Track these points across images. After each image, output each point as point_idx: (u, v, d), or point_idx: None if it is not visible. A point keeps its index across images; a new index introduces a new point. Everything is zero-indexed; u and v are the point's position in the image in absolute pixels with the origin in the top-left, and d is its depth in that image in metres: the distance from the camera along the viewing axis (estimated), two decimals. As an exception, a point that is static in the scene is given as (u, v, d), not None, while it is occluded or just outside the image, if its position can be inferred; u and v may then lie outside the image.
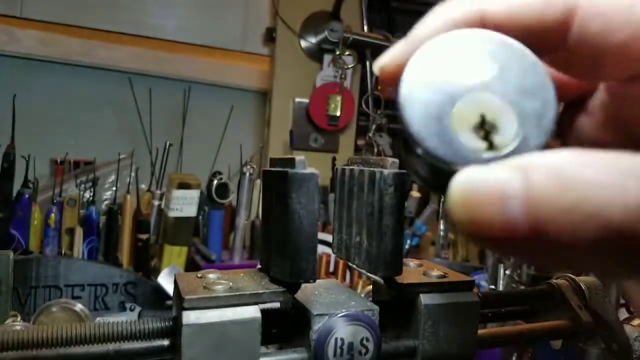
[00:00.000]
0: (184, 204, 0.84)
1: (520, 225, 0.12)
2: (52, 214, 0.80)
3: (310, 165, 0.22)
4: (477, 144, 0.14)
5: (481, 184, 0.13)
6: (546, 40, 0.17)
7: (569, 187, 0.12)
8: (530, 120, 0.15)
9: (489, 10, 0.17)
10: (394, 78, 0.17)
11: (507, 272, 0.78)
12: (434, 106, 0.15)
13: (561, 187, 0.12)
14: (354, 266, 0.26)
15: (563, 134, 0.21)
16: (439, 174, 0.15)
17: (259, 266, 0.26)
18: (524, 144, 0.15)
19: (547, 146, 0.15)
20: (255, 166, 0.94)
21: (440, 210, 0.94)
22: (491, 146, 0.14)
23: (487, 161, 0.14)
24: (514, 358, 0.52)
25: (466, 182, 0.13)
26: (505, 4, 0.17)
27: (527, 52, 0.16)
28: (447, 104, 0.15)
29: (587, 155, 0.13)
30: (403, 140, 0.17)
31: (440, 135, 0.14)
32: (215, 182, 0.93)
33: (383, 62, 0.18)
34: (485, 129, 0.15)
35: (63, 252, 0.81)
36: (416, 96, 0.15)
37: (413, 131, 0.14)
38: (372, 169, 0.24)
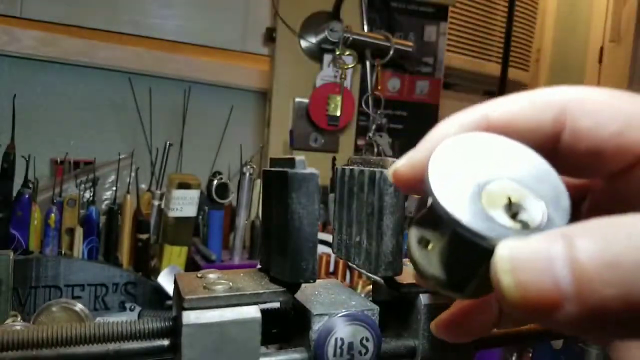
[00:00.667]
0: (184, 204, 0.84)
1: (568, 287, 0.13)
2: (52, 214, 0.80)
3: (310, 165, 0.22)
4: (511, 222, 0.15)
5: (525, 249, 0.13)
6: (544, 140, 0.18)
7: (610, 246, 0.13)
8: (549, 203, 0.16)
9: (492, 117, 0.19)
10: (408, 179, 0.19)
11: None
12: (465, 191, 0.16)
13: (602, 245, 0.13)
14: (354, 266, 0.26)
15: None
16: (466, 259, 0.16)
17: (259, 266, 0.26)
18: (551, 223, 0.16)
19: None
20: (255, 166, 0.93)
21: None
22: (522, 224, 0.16)
23: (524, 235, 0.15)
24: (514, 358, 0.52)
25: (511, 250, 0.14)
26: (503, 111, 0.19)
27: (529, 149, 0.18)
28: (476, 188, 0.16)
29: (621, 217, 0.13)
30: (416, 238, 0.18)
31: (476, 214, 0.15)
32: (215, 182, 0.93)
33: (397, 166, 0.19)
34: (513, 209, 0.16)
35: (63, 252, 0.81)
36: (446, 183, 0.16)
37: (449, 210, 0.15)
38: (372, 169, 0.24)
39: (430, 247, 0.18)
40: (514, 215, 0.16)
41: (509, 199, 0.16)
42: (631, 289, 0.12)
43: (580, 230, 0.13)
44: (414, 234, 0.18)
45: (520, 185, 0.16)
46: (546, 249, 0.13)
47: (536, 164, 0.17)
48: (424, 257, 0.18)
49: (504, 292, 0.13)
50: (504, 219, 0.15)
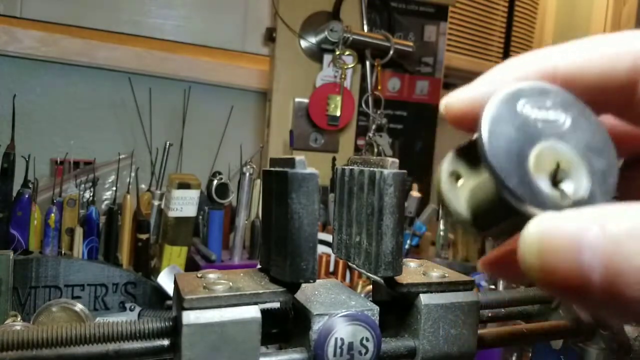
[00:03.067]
0: (184, 204, 0.84)
1: (595, 278, 0.12)
2: (52, 214, 0.80)
3: (310, 165, 0.22)
4: (552, 190, 0.15)
5: (558, 231, 0.13)
6: (617, 93, 0.17)
7: None
8: (597, 177, 0.15)
9: (560, 66, 0.17)
10: (458, 115, 0.18)
11: (507, 272, 0.78)
12: (516, 144, 0.15)
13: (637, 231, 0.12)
14: (354, 266, 0.26)
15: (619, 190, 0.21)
16: (494, 208, 0.16)
17: (259, 266, 0.26)
18: (592, 199, 0.15)
19: None
20: (255, 166, 0.93)
21: (440, 211, 0.94)
22: (562, 194, 0.15)
23: (561, 208, 0.14)
24: (514, 358, 0.52)
25: (543, 228, 0.13)
26: (572, 61, 0.17)
27: (592, 112, 0.17)
28: (528, 145, 0.15)
29: None
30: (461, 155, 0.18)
31: (521, 176, 0.15)
32: (215, 182, 0.93)
33: (450, 101, 0.19)
34: (558, 177, 0.15)
35: (63, 252, 0.81)
36: (500, 132, 0.15)
37: (496, 166, 0.15)
38: (372, 169, 0.24)
39: (460, 183, 0.18)
40: (556, 182, 0.15)
41: (558, 164, 0.15)
42: None
43: (616, 216, 0.13)
44: (447, 165, 0.18)
45: (573, 151, 0.16)
46: (578, 234, 0.13)
47: (596, 130, 0.16)
48: (452, 191, 0.18)
49: (529, 271, 0.13)
50: (545, 184, 0.15)
